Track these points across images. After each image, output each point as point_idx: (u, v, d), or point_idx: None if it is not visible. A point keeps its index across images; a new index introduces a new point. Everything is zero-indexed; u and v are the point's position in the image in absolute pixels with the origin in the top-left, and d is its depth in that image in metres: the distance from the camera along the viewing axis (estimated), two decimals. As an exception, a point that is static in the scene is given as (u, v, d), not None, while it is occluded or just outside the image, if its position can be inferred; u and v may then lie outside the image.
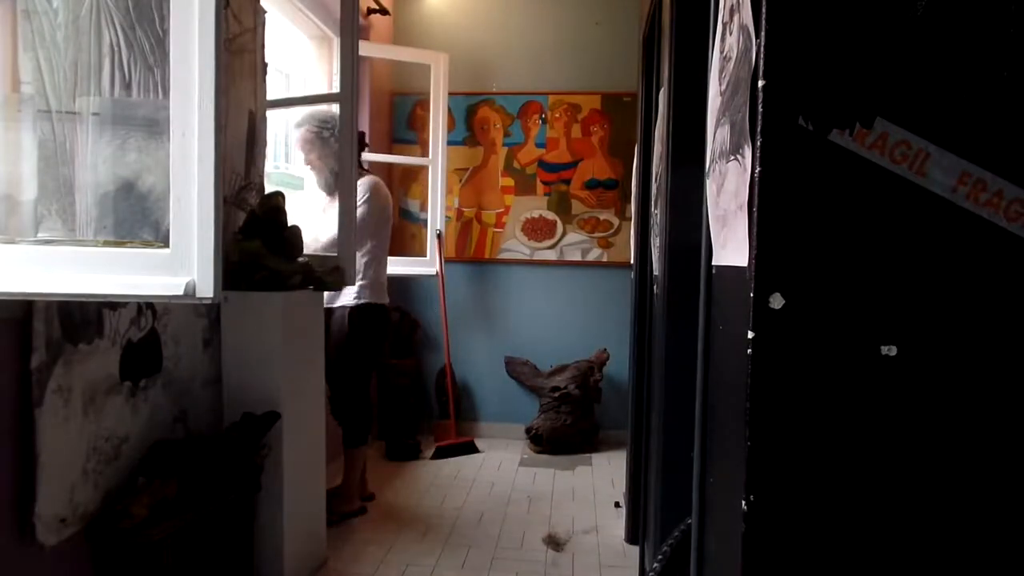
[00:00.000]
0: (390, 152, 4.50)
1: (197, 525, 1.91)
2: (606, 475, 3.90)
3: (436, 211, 4.18)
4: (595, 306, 4.49)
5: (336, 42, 3.58)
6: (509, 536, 3.03)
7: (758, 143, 0.88)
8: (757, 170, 0.88)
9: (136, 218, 1.60)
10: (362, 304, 3.11)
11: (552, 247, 4.52)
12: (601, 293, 4.49)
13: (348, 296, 3.10)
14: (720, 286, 1.18)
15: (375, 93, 4.28)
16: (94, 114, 1.62)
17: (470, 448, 4.23)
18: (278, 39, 3.59)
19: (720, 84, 1.15)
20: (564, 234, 4.52)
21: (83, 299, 1.53)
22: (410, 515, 3.24)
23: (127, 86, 1.63)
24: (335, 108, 3.08)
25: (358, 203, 2.94)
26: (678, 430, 1.89)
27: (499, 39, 4.52)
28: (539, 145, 4.51)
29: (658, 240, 2.35)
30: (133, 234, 1.59)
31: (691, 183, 1.60)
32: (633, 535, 2.92)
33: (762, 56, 0.87)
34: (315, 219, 3.13)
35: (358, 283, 3.06)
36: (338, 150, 2.70)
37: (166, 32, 1.33)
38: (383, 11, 4.13)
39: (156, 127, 1.58)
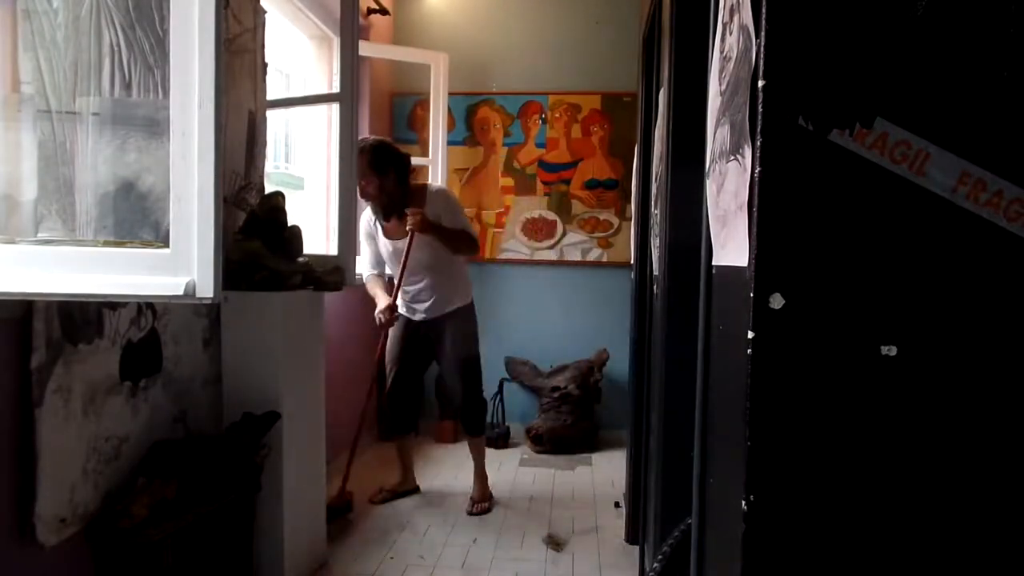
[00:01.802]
0: (390, 152, 4.50)
1: (197, 525, 1.91)
2: (606, 475, 3.90)
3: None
4: (595, 306, 4.49)
5: (336, 42, 3.58)
6: (509, 536, 3.03)
7: (758, 143, 0.88)
8: (757, 170, 0.88)
9: (136, 218, 1.60)
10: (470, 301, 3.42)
11: (552, 247, 4.52)
12: (601, 293, 4.49)
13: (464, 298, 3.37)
14: (720, 286, 1.18)
15: (375, 93, 4.28)
16: (94, 114, 1.62)
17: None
18: (278, 39, 3.59)
19: (720, 84, 1.15)
20: (564, 234, 4.52)
21: (83, 299, 1.53)
22: (410, 515, 3.24)
23: (127, 86, 1.63)
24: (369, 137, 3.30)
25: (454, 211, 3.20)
26: (678, 430, 1.89)
27: (499, 39, 4.52)
28: (539, 145, 4.51)
29: (658, 240, 2.35)
30: (133, 234, 1.59)
31: (691, 183, 1.60)
32: (633, 535, 2.92)
33: (762, 56, 0.87)
34: (367, 246, 3.32)
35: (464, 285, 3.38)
36: (340, 150, 2.69)
37: (166, 32, 1.33)
38: (383, 11, 4.13)
39: (156, 127, 1.58)
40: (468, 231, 3.22)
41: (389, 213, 3.20)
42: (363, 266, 3.31)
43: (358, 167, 2.96)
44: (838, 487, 0.88)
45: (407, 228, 3.09)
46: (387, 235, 3.26)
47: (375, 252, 3.34)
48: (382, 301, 3.24)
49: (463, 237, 3.19)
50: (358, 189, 2.98)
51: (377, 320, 3.23)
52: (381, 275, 3.38)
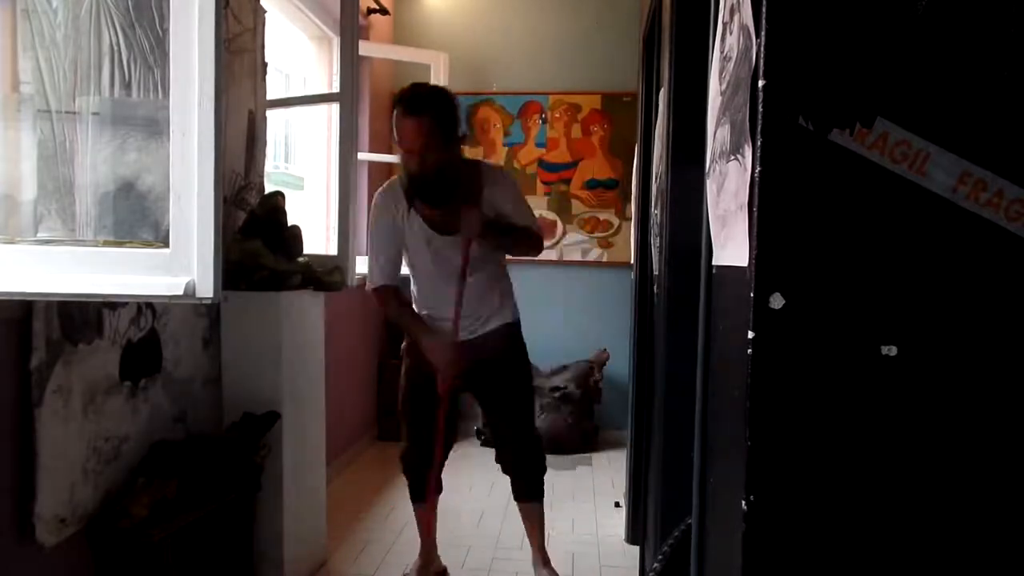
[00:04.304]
0: (390, 152, 4.50)
1: (197, 525, 1.91)
2: (606, 475, 3.90)
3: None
4: (595, 306, 4.49)
5: (336, 42, 3.58)
6: (509, 536, 3.03)
7: (758, 143, 0.88)
8: (757, 170, 0.88)
9: (136, 218, 1.60)
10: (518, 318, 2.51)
11: (552, 247, 4.51)
12: (601, 293, 4.49)
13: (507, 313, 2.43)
14: (720, 286, 1.18)
15: (375, 93, 4.27)
16: (94, 114, 1.62)
17: None
18: (278, 39, 3.59)
19: (720, 84, 1.14)
20: (564, 234, 4.51)
21: (83, 299, 1.53)
22: (410, 515, 3.23)
23: (127, 86, 1.62)
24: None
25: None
26: (678, 430, 1.89)
27: (499, 39, 4.52)
28: (539, 145, 4.51)
29: (658, 240, 2.35)
30: (133, 234, 1.59)
31: (691, 183, 1.60)
32: (633, 535, 2.92)
33: (762, 56, 0.87)
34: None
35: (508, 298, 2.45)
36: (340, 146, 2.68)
37: (166, 32, 1.33)
38: (383, 11, 4.13)
39: (156, 127, 1.58)
40: (533, 227, 2.28)
41: (431, 190, 2.14)
42: (371, 272, 2.29)
43: (395, 117, 2.08)
44: (838, 487, 0.88)
45: (462, 232, 2.15)
46: (433, 227, 2.22)
47: (394, 252, 2.28)
48: (430, 337, 2.24)
49: (527, 240, 2.28)
50: (400, 147, 2.11)
51: (442, 376, 2.25)
52: (397, 288, 2.31)
